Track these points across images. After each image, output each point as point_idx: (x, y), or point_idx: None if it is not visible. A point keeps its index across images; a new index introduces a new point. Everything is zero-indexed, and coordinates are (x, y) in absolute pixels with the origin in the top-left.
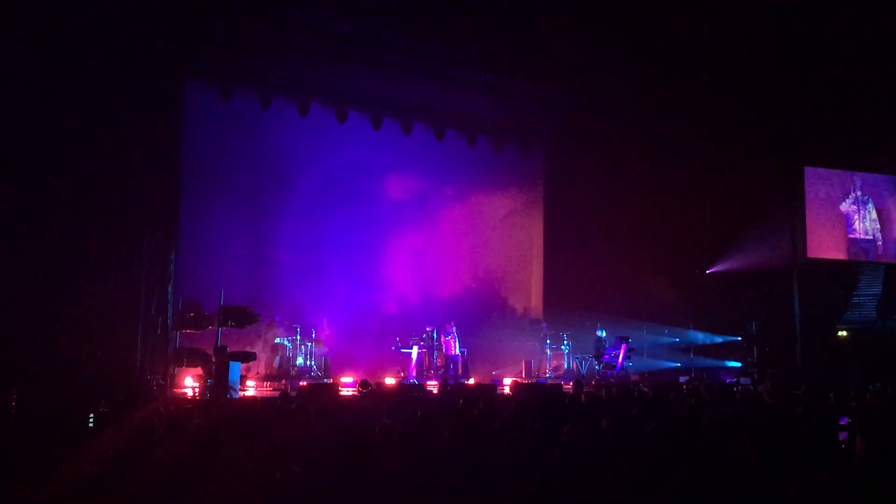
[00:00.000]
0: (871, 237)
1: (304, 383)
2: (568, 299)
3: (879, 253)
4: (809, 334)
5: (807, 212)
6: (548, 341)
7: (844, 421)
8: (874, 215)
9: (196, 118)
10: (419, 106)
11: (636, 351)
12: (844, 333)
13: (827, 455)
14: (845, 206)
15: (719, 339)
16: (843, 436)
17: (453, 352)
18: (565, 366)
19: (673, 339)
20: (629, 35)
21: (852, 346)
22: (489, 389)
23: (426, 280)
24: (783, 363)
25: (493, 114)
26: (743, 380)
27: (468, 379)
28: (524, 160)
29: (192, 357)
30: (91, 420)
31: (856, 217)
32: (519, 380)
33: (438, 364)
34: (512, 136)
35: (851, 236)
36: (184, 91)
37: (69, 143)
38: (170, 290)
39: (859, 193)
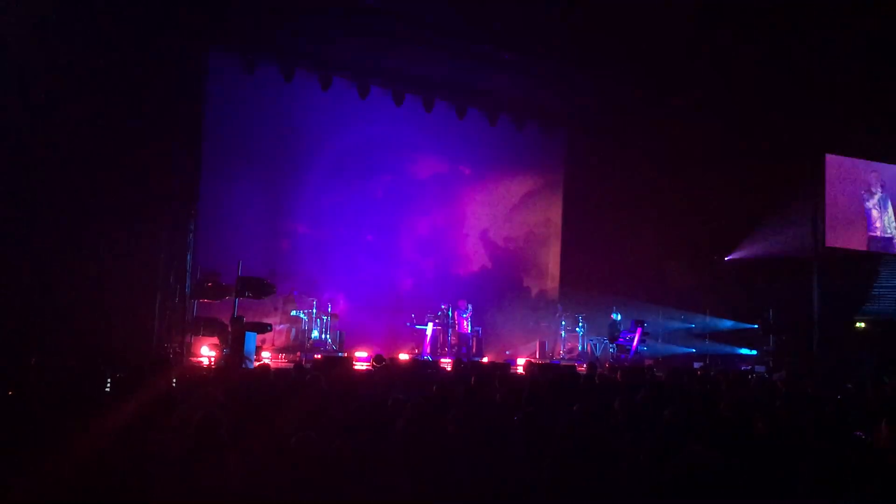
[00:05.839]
0: (890, 235)
1: (319, 356)
2: (584, 281)
3: None
4: (827, 324)
5: (830, 207)
6: (563, 323)
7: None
8: (891, 213)
9: (218, 89)
10: (442, 83)
11: (651, 335)
12: (862, 325)
13: (843, 442)
14: (870, 204)
15: (736, 326)
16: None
17: (467, 330)
18: (579, 348)
19: (689, 325)
20: (653, 19)
21: (870, 337)
22: (503, 368)
23: (443, 257)
24: (799, 352)
25: (516, 93)
26: (758, 367)
27: (482, 357)
28: (545, 141)
29: (208, 326)
30: (108, 385)
31: (877, 217)
32: (533, 360)
33: (453, 342)
34: (534, 116)
35: (871, 234)
36: (207, 61)
37: (92, 111)
38: (189, 259)
39: (880, 191)
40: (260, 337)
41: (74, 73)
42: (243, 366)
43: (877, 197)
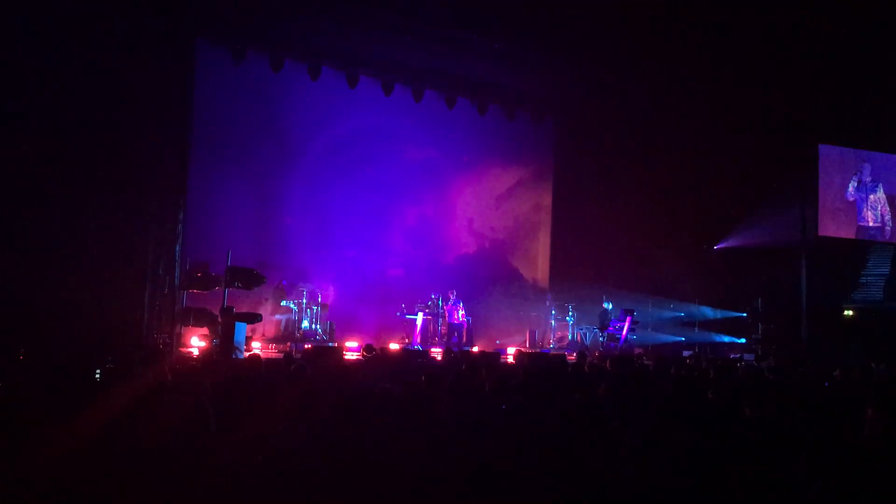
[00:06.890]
0: (880, 224)
1: (309, 346)
2: (574, 270)
3: (887, 238)
4: (815, 313)
5: (823, 196)
6: (553, 312)
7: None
8: (884, 201)
9: (206, 78)
10: (431, 73)
11: (641, 324)
12: (850, 313)
13: (830, 429)
14: (861, 193)
15: (725, 315)
16: None
17: (457, 319)
18: (570, 337)
19: (678, 314)
20: (643, 8)
21: (858, 325)
22: (493, 357)
23: (433, 247)
24: (788, 341)
25: (506, 83)
26: (746, 356)
27: (472, 347)
28: (535, 130)
29: (198, 317)
30: (98, 376)
31: (864, 205)
32: (523, 349)
33: (443, 331)
34: (524, 106)
35: (861, 224)
36: (195, 51)
37: (79, 102)
38: (177, 249)
39: (868, 179)
40: (250, 327)
41: (60, 63)
42: (233, 356)
43: (868, 185)
